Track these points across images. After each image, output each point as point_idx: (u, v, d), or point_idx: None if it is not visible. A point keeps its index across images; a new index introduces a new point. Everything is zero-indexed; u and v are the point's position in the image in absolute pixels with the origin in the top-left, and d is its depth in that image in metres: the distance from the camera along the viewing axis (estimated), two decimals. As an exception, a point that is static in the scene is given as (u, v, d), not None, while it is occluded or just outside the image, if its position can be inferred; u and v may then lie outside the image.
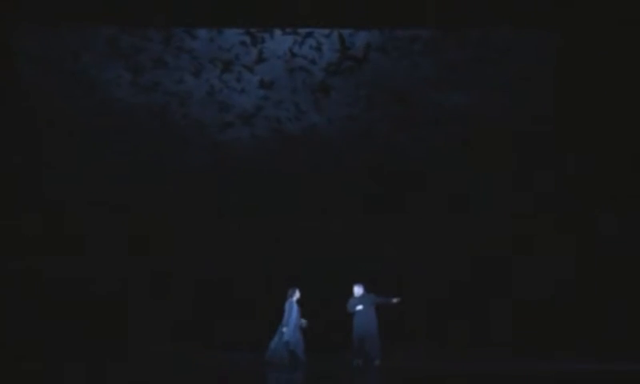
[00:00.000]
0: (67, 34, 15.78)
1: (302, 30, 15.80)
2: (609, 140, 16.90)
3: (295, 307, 15.12)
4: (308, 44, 15.99)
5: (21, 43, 15.88)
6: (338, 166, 17.60)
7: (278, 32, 15.79)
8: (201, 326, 17.73)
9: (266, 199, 17.73)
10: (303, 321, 15.19)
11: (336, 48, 16.07)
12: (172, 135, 17.21)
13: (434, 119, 17.01)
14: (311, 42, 15.98)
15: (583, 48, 16.11)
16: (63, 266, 17.54)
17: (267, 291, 17.13)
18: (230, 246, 17.99)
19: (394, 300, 15.19)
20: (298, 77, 16.46)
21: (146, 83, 16.45)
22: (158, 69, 16.26)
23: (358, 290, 15.41)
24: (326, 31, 15.79)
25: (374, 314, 15.24)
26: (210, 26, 15.71)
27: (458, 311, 17.77)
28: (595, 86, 16.32)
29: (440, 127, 17.10)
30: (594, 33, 15.90)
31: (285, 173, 17.60)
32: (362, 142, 17.33)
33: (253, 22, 15.65)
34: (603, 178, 17.27)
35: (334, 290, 16.14)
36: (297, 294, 15.24)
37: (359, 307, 15.22)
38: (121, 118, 16.83)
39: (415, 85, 16.54)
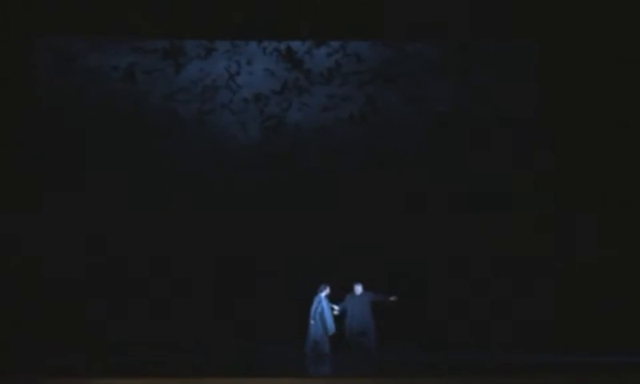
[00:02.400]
0: (83, 45, 17.98)
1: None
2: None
3: (323, 302, 16.17)
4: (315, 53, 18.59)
5: (39, 54, 18.03)
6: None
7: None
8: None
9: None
10: (329, 324, 16.11)
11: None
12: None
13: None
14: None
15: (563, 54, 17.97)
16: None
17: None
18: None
19: (391, 298, 16.36)
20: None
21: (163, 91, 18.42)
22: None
23: (357, 289, 16.58)
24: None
25: (370, 310, 16.41)
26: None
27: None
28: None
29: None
30: (572, 40, 17.82)
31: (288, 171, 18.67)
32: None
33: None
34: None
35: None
36: (326, 290, 16.29)
37: (354, 306, 16.40)
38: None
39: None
